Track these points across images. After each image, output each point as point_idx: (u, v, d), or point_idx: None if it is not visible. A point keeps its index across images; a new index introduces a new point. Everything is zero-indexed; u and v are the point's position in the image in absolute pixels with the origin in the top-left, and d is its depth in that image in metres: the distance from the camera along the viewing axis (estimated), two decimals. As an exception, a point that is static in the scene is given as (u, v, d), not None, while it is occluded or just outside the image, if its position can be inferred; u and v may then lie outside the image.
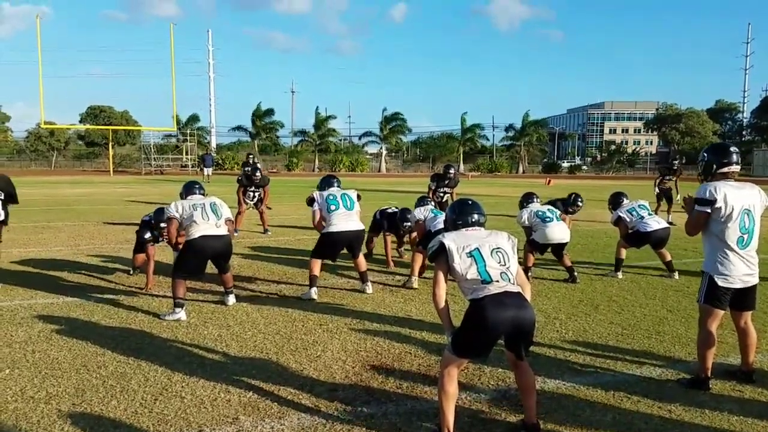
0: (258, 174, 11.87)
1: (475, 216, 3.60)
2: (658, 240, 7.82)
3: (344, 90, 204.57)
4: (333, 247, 6.80)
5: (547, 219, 7.66)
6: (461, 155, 62.16)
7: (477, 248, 3.38)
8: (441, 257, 3.40)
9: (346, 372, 4.43)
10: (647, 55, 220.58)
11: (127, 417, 3.65)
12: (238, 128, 61.98)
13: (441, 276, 3.39)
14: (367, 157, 65.38)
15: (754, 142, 66.46)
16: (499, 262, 3.37)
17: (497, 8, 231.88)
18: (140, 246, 7.25)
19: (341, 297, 6.74)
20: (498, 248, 3.42)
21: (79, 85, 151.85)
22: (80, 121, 61.77)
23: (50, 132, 57.76)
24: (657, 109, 73.34)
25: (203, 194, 6.33)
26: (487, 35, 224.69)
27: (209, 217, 5.97)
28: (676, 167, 14.95)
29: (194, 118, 60.01)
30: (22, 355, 4.68)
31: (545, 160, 70.13)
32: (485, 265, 3.34)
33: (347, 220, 6.71)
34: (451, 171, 11.75)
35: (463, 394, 3.93)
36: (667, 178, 14.57)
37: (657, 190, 14.62)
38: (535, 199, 8.14)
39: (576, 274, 7.67)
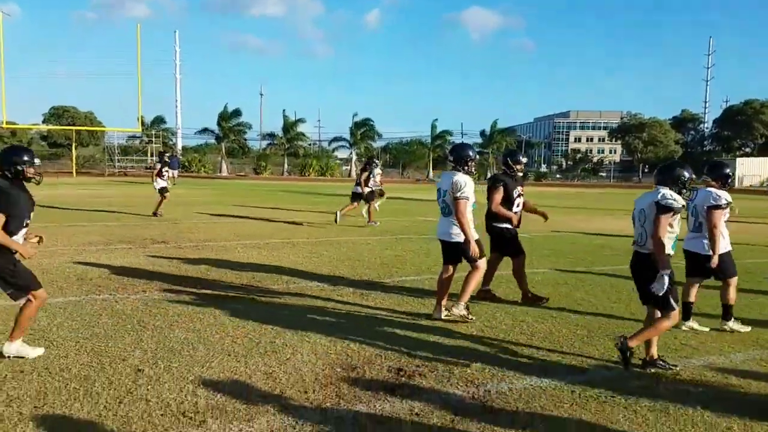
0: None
1: None
2: None
3: (315, 94, 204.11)
4: None
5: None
6: (431, 161, 62.51)
7: None
8: None
9: (315, 374, 4.40)
10: (614, 66, 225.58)
11: (90, 420, 3.56)
12: (205, 130, 61.01)
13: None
14: (337, 161, 65.23)
15: (715, 152, 68.41)
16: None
17: (469, 17, 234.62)
18: None
19: (312, 300, 6.70)
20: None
21: (43, 86, 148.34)
22: (43, 122, 60.27)
23: (12, 132, 56.14)
24: (621, 119, 74.84)
25: None
26: (458, 43, 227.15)
27: None
28: None
29: (160, 120, 59.09)
30: (-21, 358, 4.54)
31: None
32: None
33: None
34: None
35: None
36: None
37: None
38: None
39: None
